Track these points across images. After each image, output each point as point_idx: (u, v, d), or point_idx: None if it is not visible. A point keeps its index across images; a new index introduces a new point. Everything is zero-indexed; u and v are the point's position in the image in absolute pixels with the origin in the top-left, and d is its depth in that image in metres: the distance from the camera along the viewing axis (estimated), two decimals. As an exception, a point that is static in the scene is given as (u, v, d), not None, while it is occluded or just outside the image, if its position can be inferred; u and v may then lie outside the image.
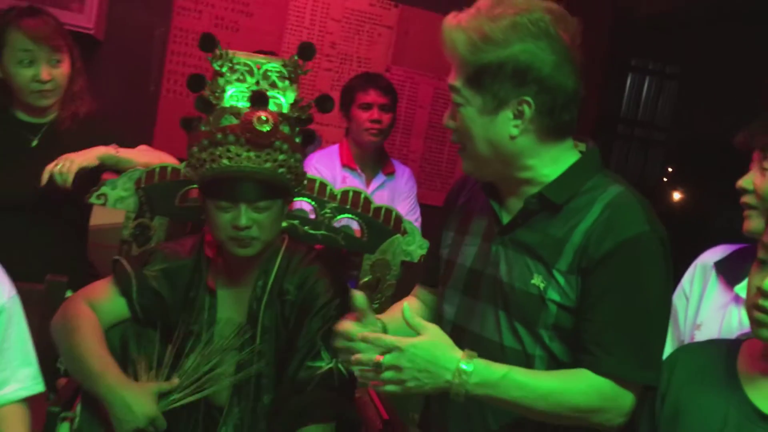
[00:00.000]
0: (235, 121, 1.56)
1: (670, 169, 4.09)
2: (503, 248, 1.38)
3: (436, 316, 1.53)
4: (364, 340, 1.28)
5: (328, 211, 2.07)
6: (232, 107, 1.58)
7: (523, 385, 1.25)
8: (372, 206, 2.08)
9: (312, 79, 3.64)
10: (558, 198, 1.33)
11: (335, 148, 3.02)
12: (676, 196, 4.24)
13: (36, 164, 2.02)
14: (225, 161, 1.54)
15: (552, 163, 1.34)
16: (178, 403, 1.60)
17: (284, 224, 1.98)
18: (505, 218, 1.40)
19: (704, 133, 3.46)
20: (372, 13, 3.71)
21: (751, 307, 1.16)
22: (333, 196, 2.08)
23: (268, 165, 1.56)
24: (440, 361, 1.23)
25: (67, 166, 1.96)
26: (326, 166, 2.88)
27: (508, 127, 1.32)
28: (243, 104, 1.59)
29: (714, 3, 2.94)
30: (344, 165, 2.93)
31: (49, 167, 1.98)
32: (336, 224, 2.08)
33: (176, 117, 3.72)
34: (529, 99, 1.29)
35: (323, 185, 2.07)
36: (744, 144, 1.47)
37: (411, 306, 1.47)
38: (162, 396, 1.57)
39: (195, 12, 3.49)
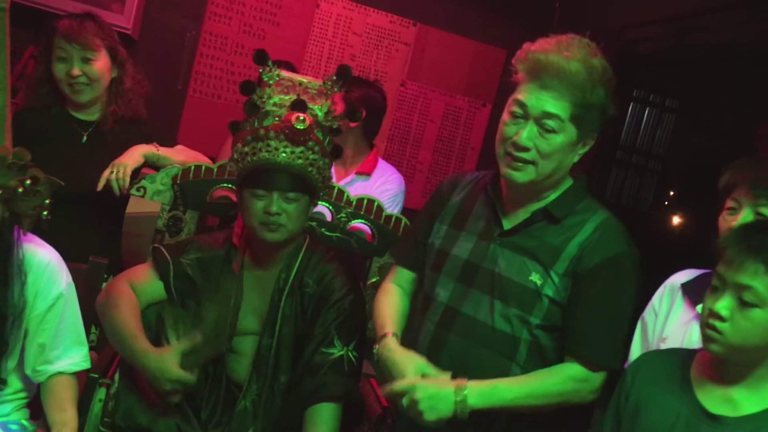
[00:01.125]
0: (276, 121, 1.77)
1: (671, 192, 4.28)
2: (501, 248, 1.65)
3: (419, 295, 1.83)
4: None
5: (344, 215, 2.27)
6: (274, 111, 1.79)
7: (510, 391, 1.55)
8: (384, 213, 2.28)
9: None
10: (559, 213, 1.62)
11: None
12: (675, 220, 4.44)
13: (84, 159, 2.22)
14: (264, 154, 1.76)
15: (560, 184, 1.64)
16: (202, 358, 1.79)
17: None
18: (506, 225, 1.67)
19: (698, 162, 3.65)
20: (392, 30, 3.92)
21: (703, 324, 1.36)
22: (349, 203, 2.28)
23: (300, 161, 1.77)
24: (442, 399, 1.54)
25: (122, 171, 2.17)
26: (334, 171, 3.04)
27: (576, 154, 1.61)
28: (284, 111, 1.80)
29: (711, 44, 3.14)
30: (358, 172, 3.08)
31: (105, 174, 2.18)
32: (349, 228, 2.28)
33: (201, 116, 3.97)
34: (596, 134, 1.60)
35: (341, 192, 2.27)
36: (726, 187, 1.65)
37: (394, 297, 1.83)
38: (187, 354, 1.75)
39: (225, 18, 3.70)
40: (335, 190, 2.26)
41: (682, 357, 1.47)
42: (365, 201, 2.29)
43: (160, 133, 2.41)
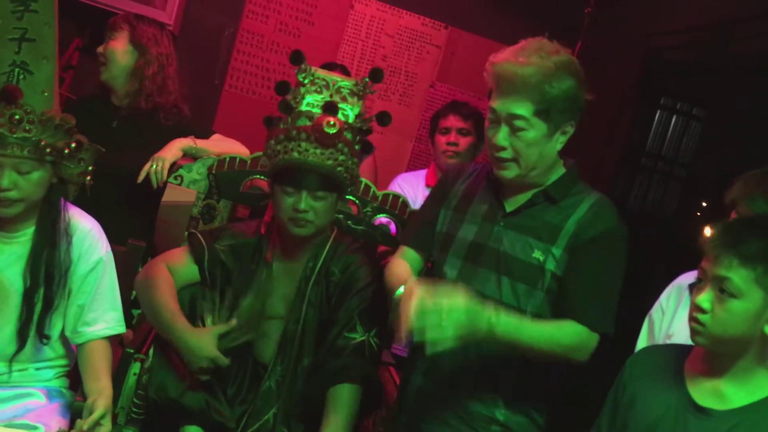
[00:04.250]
0: (308, 123, 1.86)
1: (702, 203, 4.30)
2: (505, 229, 1.78)
3: (427, 275, 1.92)
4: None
5: (369, 209, 2.36)
6: (308, 111, 1.88)
7: (532, 330, 1.65)
8: (408, 209, 2.37)
9: (362, 88, 3.94)
10: (557, 195, 1.77)
11: (423, 171, 3.24)
12: (700, 227, 4.42)
13: (114, 143, 2.36)
14: (295, 154, 1.85)
15: (552, 171, 1.79)
16: (236, 342, 1.90)
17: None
18: (509, 207, 1.80)
19: (724, 172, 3.68)
20: (423, 32, 4.01)
21: (690, 318, 1.43)
22: (375, 197, 2.37)
23: (329, 162, 1.86)
24: (476, 319, 1.57)
25: (161, 165, 2.29)
26: (410, 185, 3.11)
27: (557, 144, 1.74)
28: (317, 111, 1.89)
29: (741, 54, 3.16)
30: (428, 185, 3.12)
31: (146, 167, 2.31)
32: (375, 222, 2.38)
33: (236, 110, 4.10)
34: (573, 122, 1.73)
35: (367, 187, 2.36)
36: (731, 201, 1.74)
37: (404, 263, 1.89)
38: (222, 337, 1.87)
39: (262, 16, 3.82)
40: (362, 185, 2.35)
41: (678, 352, 1.54)
42: (390, 197, 2.38)
43: (198, 126, 2.52)
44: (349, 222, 2.34)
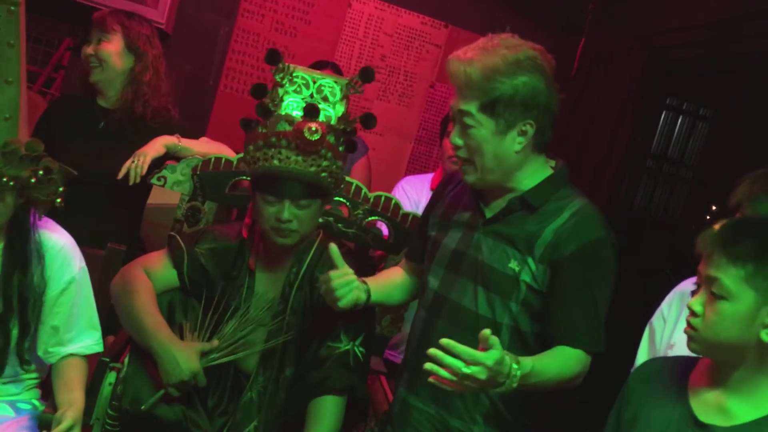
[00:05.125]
0: (288, 128, 1.77)
1: (714, 207, 4.21)
2: (484, 237, 1.69)
3: (419, 285, 1.88)
4: (460, 355, 1.42)
5: (360, 212, 2.28)
6: (287, 115, 1.79)
7: (546, 368, 1.53)
8: (401, 212, 2.28)
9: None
10: (535, 202, 1.65)
11: (429, 174, 3.11)
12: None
13: (100, 145, 2.28)
14: (275, 162, 1.76)
15: (531, 175, 1.68)
16: (216, 362, 1.82)
17: (320, 220, 2.19)
18: (488, 214, 1.72)
19: (731, 174, 3.58)
20: (422, 31, 3.92)
21: (687, 324, 1.36)
22: (366, 199, 2.28)
23: (312, 169, 1.77)
24: (504, 369, 1.44)
25: (141, 160, 2.21)
26: (414, 189, 2.99)
27: (514, 144, 1.63)
28: (297, 113, 1.80)
29: (748, 52, 3.07)
30: (432, 189, 3.05)
31: (127, 164, 2.22)
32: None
33: (231, 111, 4.02)
34: (531, 121, 1.61)
35: (359, 188, 2.28)
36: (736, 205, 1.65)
37: (395, 272, 1.91)
38: (203, 355, 1.79)
39: (258, 15, 3.74)
40: (353, 186, 2.27)
41: (683, 364, 1.46)
42: (383, 198, 2.29)
43: (186, 128, 2.44)
44: (339, 225, 2.26)
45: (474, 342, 1.56)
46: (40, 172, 1.61)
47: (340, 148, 1.84)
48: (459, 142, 1.66)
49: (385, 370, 2.29)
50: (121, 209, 2.41)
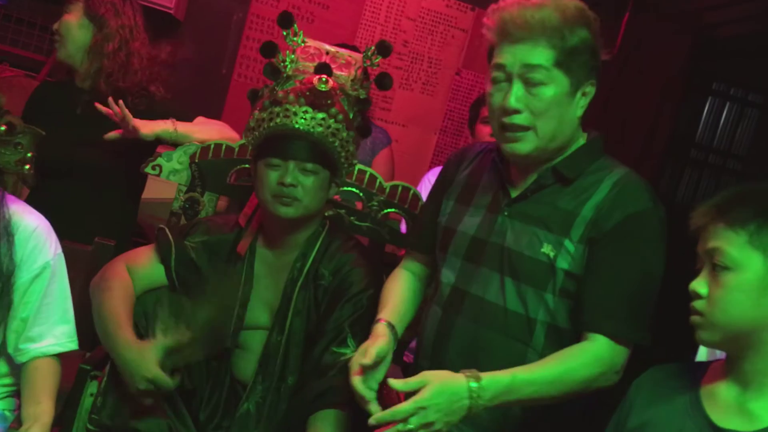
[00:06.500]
0: (297, 85, 1.62)
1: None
2: (509, 219, 1.48)
3: (430, 278, 1.68)
4: (380, 421, 1.31)
5: (376, 203, 2.06)
6: (296, 76, 1.63)
7: (531, 381, 1.33)
8: (420, 203, 2.06)
9: (381, 76, 3.64)
10: (570, 173, 1.45)
11: None
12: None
13: (77, 132, 2.08)
14: (280, 119, 1.59)
15: (571, 145, 1.48)
16: (189, 360, 1.58)
17: (330, 213, 1.99)
18: (514, 192, 1.50)
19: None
20: (447, 14, 3.69)
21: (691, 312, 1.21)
22: (382, 190, 2.07)
23: (320, 129, 1.60)
24: (454, 396, 1.29)
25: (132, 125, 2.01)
26: None
27: (578, 107, 1.44)
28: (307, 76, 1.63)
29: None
30: None
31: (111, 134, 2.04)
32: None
33: (245, 102, 3.81)
34: (594, 80, 1.44)
35: (373, 177, 2.06)
36: None
37: (402, 282, 1.64)
38: (172, 353, 1.54)
39: (273, 0, 3.54)
40: (367, 175, 2.06)
41: (691, 371, 1.31)
42: (400, 188, 2.08)
43: (177, 108, 2.23)
44: (352, 218, 2.04)
45: (502, 341, 1.43)
46: (2, 128, 1.44)
47: (351, 116, 1.66)
48: (519, 105, 1.41)
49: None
50: (110, 202, 2.22)
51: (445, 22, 3.69)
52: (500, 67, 1.43)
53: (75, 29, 2.19)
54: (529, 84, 1.40)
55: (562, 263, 1.40)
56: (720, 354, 1.46)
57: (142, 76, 2.20)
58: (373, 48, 1.71)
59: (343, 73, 1.69)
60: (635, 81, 3.27)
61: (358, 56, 1.78)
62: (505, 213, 1.49)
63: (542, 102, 1.40)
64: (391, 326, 1.50)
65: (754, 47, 3.05)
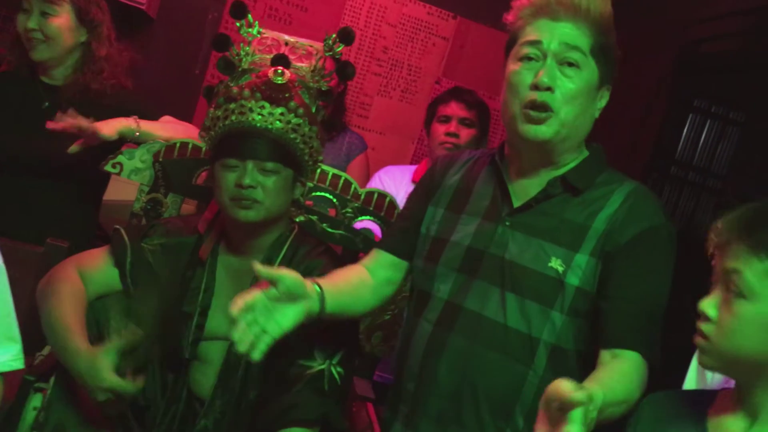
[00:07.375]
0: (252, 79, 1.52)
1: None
2: (511, 230, 1.39)
3: (396, 286, 1.56)
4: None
5: (350, 210, 1.97)
6: (252, 70, 1.54)
7: (612, 399, 1.17)
8: (396, 211, 1.97)
9: (359, 83, 3.56)
10: (580, 183, 1.38)
11: (412, 166, 2.85)
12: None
13: (39, 124, 1.96)
14: (236, 116, 1.50)
15: (576, 150, 1.42)
16: (144, 359, 1.48)
17: (301, 218, 1.89)
18: (517, 201, 1.41)
19: (764, 185, 3.27)
20: (429, 21, 3.62)
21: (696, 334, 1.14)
22: (357, 196, 1.97)
23: (279, 124, 1.50)
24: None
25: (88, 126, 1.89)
26: (392, 179, 2.72)
27: (596, 109, 1.40)
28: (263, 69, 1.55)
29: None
30: (414, 182, 2.72)
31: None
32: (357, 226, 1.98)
33: (217, 103, 3.67)
34: (610, 88, 1.41)
35: (348, 183, 1.97)
36: None
37: (361, 274, 1.51)
38: (128, 354, 1.43)
39: (250, 0, 3.44)
40: (341, 180, 1.96)
41: (698, 399, 1.23)
42: (375, 195, 1.99)
43: (144, 104, 2.12)
44: (324, 225, 1.94)
45: (500, 362, 1.32)
46: None
47: (313, 110, 1.56)
48: (551, 82, 1.33)
49: (374, 396, 1.95)
50: (68, 201, 2.10)
51: (426, 30, 3.61)
52: (535, 43, 1.35)
53: (66, 34, 2.09)
54: (563, 64, 1.34)
55: (573, 279, 1.32)
56: (714, 378, 1.38)
57: (119, 69, 2.14)
58: (334, 36, 1.63)
59: (303, 65, 1.60)
60: (617, 96, 3.21)
61: (319, 46, 1.69)
62: (507, 223, 1.40)
63: (574, 84, 1.33)
64: (317, 286, 1.35)
65: (737, 64, 3.01)
